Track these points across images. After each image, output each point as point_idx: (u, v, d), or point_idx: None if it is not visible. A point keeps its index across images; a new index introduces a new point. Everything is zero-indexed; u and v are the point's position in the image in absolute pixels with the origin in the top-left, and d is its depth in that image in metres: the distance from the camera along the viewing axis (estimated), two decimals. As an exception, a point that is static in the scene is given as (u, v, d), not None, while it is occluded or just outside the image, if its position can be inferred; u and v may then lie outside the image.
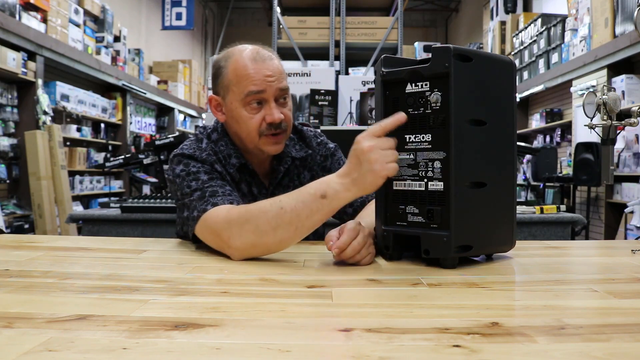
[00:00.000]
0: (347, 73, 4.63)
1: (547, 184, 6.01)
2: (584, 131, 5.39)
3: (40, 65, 5.30)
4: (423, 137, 0.96)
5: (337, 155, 1.41)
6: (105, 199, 3.28)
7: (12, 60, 4.74)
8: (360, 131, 0.95)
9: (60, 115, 5.93)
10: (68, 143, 6.16)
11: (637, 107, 1.27)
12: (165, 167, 3.34)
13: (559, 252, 1.19)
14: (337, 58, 4.64)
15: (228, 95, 1.22)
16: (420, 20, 13.51)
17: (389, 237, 1.00)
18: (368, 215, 1.16)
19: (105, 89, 7.51)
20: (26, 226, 5.03)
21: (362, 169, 0.91)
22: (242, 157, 1.27)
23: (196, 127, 10.80)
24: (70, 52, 5.87)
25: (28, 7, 5.24)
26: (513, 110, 1.02)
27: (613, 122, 1.29)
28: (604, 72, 5.20)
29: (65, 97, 6.12)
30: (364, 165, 0.90)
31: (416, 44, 5.59)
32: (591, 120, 1.32)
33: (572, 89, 6.02)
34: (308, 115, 3.63)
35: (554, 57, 6.48)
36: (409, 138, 0.98)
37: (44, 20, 5.52)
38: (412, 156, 0.97)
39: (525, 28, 7.36)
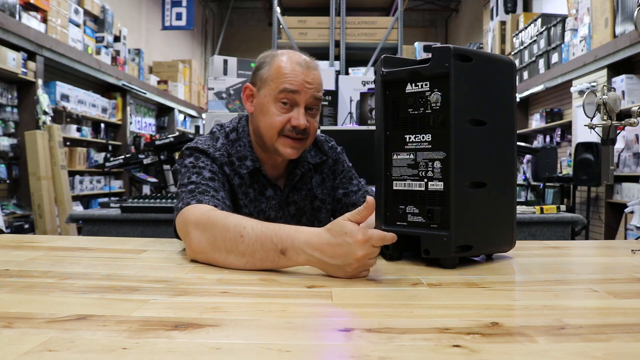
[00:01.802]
0: (347, 73, 4.63)
1: (547, 184, 6.01)
2: (584, 131, 5.39)
3: (40, 65, 5.30)
4: (423, 137, 0.96)
5: (342, 158, 1.42)
6: (105, 199, 3.28)
7: (12, 60, 4.74)
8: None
9: (60, 115, 5.93)
10: (68, 143, 6.15)
11: (637, 107, 1.27)
12: (166, 167, 3.34)
13: (559, 252, 1.19)
14: (337, 58, 4.64)
15: (263, 88, 1.24)
16: (420, 20, 13.51)
17: (389, 237, 1.00)
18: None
19: (105, 89, 7.51)
20: (26, 226, 5.03)
21: (338, 262, 0.84)
22: (257, 161, 1.28)
23: (196, 127, 10.80)
24: (70, 52, 5.87)
25: (28, 7, 5.24)
26: (513, 110, 1.02)
27: (613, 122, 1.29)
28: (604, 72, 5.20)
29: (65, 97, 6.12)
30: (344, 263, 0.83)
31: (416, 44, 5.59)
32: (591, 120, 1.32)
33: (572, 89, 6.02)
34: (308, 115, 3.63)
35: (554, 57, 6.48)
36: (409, 138, 0.98)
37: (44, 20, 5.52)
38: (412, 156, 0.97)
39: (525, 28, 7.36)
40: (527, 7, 8.33)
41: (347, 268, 0.84)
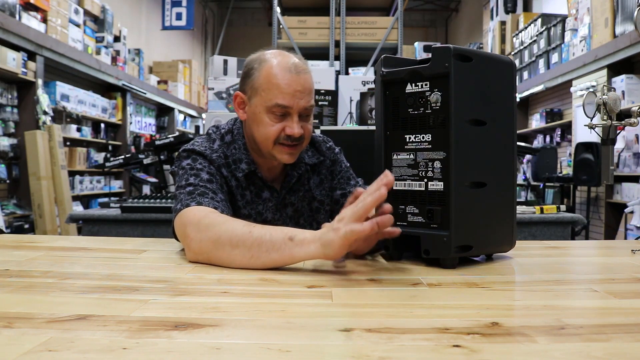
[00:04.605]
0: (347, 73, 4.63)
1: (547, 184, 6.01)
2: (584, 131, 5.39)
3: (40, 65, 5.30)
4: (423, 137, 0.96)
5: (340, 159, 1.42)
6: (105, 199, 3.28)
7: (12, 60, 4.74)
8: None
9: (60, 115, 5.93)
10: (68, 143, 6.16)
11: (637, 107, 1.27)
12: (166, 167, 3.34)
13: (559, 252, 1.19)
14: (337, 58, 4.64)
15: (255, 97, 1.22)
16: (420, 20, 13.51)
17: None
18: None
19: (105, 89, 7.51)
20: (26, 226, 5.03)
21: (330, 227, 0.87)
22: (253, 163, 1.27)
23: (196, 127, 10.80)
24: (70, 52, 5.87)
25: (28, 7, 5.24)
26: (513, 110, 1.02)
27: (613, 122, 1.29)
28: (604, 72, 5.20)
29: (65, 97, 6.12)
30: (334, 224, 0.87)
31: (416, 44, 5.59)
32: (591, 120, 1.32)
33: (572, 89, 6.02)
34: (308, 115, 3.62)
35: (554, 57, 6.49)
36: (409, 138, 0.98)
37: (44, 20, 5.52)
38: (412, 156, 0.97)
39: (525, 28, 7.37)
40: (527, 7, 8.33)
41: (334, 225, 0.85)
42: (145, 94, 8.32)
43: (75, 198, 6.09)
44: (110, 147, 7.19)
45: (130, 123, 8.03)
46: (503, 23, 8.27)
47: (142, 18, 9.54)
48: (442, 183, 0.93)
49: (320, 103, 3.62)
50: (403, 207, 0.99)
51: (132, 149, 7.48)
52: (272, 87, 1.18)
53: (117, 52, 7.48)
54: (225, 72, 3.81)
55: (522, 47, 7.49)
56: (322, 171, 1.38)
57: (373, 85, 2.94)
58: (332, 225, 0.86)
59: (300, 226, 1.34)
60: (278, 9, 4.83)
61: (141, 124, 8.75)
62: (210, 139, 1.29)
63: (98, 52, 6.83)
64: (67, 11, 5.99)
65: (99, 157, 6.96)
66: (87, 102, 6.70)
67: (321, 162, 1.38)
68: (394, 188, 1.00)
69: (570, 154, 6.13)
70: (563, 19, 6.33)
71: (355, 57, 4.93)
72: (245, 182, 1.27)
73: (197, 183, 1.14)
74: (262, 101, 1.20)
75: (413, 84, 0.97)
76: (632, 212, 4.45)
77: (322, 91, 3.64)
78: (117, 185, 7.51)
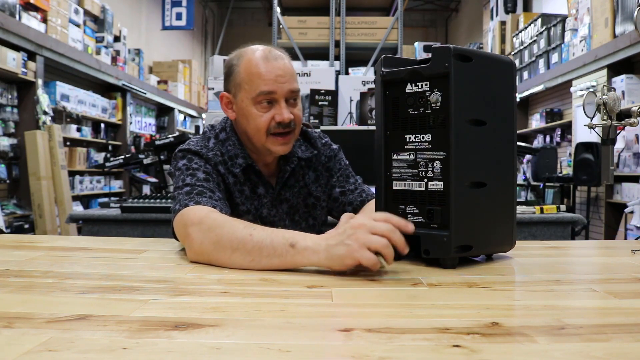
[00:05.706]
0: (347, 73, 4.63)
1: (547, 184, 6.01)
2: (584, 131, 5.39)
3: (40, 65, 5.30)
4: (423, 137, 0.96)
5: (338, 156, 1.42)
6: (105, 199, 3.28)
7: (12, 60, 4.74)
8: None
9: (60, 115, 5.92)
10: (68, 143, 6.16)
11: (637, 107, 1.27)
12: (166, 167, 3.34)
13: (559, 252, 1.19)
14: (337, 58, 4.64)
15: (239, 93, 1.23)
16: (420, 20, 13.51)
17: (389, 237, 1.00)
18: (369, 213, 1.17)
19: (105, 89, 7.51)
20: (26, 226, 5.03)
21: (340, 239, 0.85)
22: (249, 158, 1.28)
23: (196, 127, 10.81)
24: (70, 52, 5.87)
25: (28, 7, 5.24)
26: (513, 110, 1.02)
27: (613, 122, 1.29)
28: (604, 72, 5.20)
29: (65, 97, 6.12)
30: (344, 237, 0.85)
31: (416, 44, 5.59)
32: (591, 120, 1.32)
33: (572, 89, 6.02)
34: (308, 115, 3.63)
35: (554, 57, 6.49)
36: (409, 138, 0.98)
37: (44, 20, 5.52)
38: (412, 156, 0.97)
39: (525, 28, 7.37)
40: (527, 7, 8.33)
41: (348, 241, 0.84)
42: (145, 94, 8.32)
43: (75, 198, 6.09)
44: (110, 147, 7.19)
45: (130, 123, 8.03)
46: (503, 23, 8.28)
47: (142, 18, 9.54)
48: (442, 183, 0.93)
49: (320, 103, 3.62)
50: (403, 207, 0.99)
51: (132, 149, 7.48)
52: (254, 77, 1.20)
53: (117, 52, 7.48)
54: (225, 72, 3.80)
55: (522, 47, 7.49)
56: (317, 167, 1.38)
57: (373, 85, 2.94)
58: (343, 239, 0.84)
59: (295, 222, 1.34)
60: (278, 9, 4.83)
61: (141, 124, 8.75)
62: (205, 137, 1.29)
63: (98, 52, 6.83)
64: (67, 11, 5.99)
65: (99, 157, 6.96)
66: (87, 102, 6.70)
67: (315, 157, 1.38)
68: (394, 188, 1.00)
69: (570, 154, 6.14)
70: (563, 19, 6.33)
71: (355, 57, 4.93)
72: (242, 177, 1.27)
73: (194, 183, 1.14)
74: (247, 94, 1.21)
75: (413, 84, 0.97)
76: (632, 212, 4.45)
77: (322, 91, 3.64)
78: (117, 185, 7.51)
